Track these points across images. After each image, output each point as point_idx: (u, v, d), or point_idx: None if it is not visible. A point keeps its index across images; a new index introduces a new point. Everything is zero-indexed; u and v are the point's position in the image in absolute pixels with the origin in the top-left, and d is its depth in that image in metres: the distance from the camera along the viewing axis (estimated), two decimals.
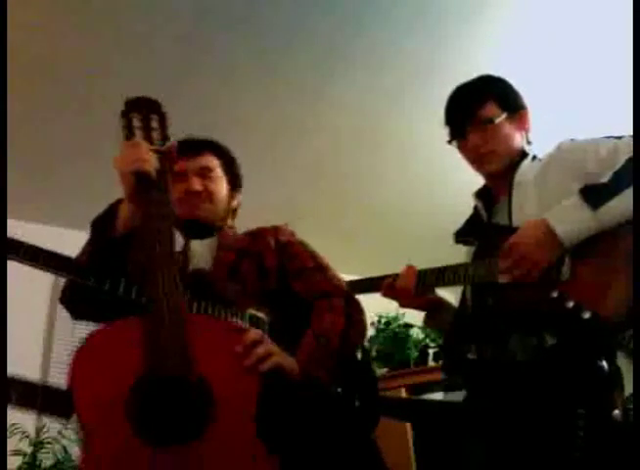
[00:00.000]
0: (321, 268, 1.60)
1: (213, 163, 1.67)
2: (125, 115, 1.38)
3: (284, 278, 1.57)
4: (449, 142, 1.63)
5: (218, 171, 1.68)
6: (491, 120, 1.54)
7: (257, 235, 1.65)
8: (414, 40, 2.77)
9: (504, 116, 1.55)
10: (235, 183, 1.72)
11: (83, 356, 1.15)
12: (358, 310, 1.54)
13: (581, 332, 1.25)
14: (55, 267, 1.38)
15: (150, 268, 1.21)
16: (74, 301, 1.49)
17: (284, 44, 2.74)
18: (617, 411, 1.18)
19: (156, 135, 1.36)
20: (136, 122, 1.36)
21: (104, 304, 1.40)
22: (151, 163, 1.30)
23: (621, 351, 1.24)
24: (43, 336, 3.59)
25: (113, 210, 1.40)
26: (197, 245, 1.63)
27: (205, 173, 1.64)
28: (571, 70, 3.01)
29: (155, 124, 1.37)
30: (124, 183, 1.32)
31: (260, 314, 1.48)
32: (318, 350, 1.39)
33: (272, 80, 2.95)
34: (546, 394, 1.28)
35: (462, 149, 1.61)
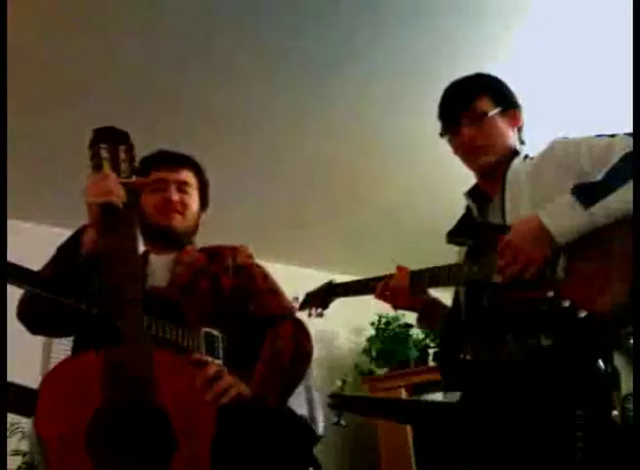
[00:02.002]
0: (273, 291, 1.67)
1: (192, 179, 1.74)
2: (93, 145, 1.39)
3: (239, 299, 1.62)
4: (441, 135, 1.63)
5: (194, 188, 1.74)
6: (485, 114, 1.54)
7: (216, 254, 1.70)
8: (416, 40, 2.77)
9: (497, 110, 1.55)
10: (204, 204, 1.79)
11: (48, 388, 1.15)
12: (306, 336, 1.62)
13: (577, 331, 1.25)
14: (21, 281, 1.39)
15: (115, 303, 1.20)
16: (32, 315, 1.51)
17: (284, 44, 2.74)
18: (615, 412, 1.17)
19: (124, 166, 1.37)
20: (104, 153, 1.37)
21: (62, 318, 1.43)
22: (119, 195, 1.31)
23: (618, 349, 1.23)
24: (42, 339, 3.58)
25: (77, 236, 1.43)
26: (155, 259, 1.67)
27: (182, 187, 1.70)
28: (571, 70, 3.01)
29: (123, 156, 1.38)
30: (90, 213, 1.34)
31: (215, 332, 1.51)
32: (269, 376, 1.44)
33: (272, 81, 2.95)
34: (544, 395, 1.28)
35: (454, 142, 1.61)
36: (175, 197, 1.66)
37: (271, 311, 1.61)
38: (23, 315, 1.52)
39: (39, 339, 3.54)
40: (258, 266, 1.72)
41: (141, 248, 1.69)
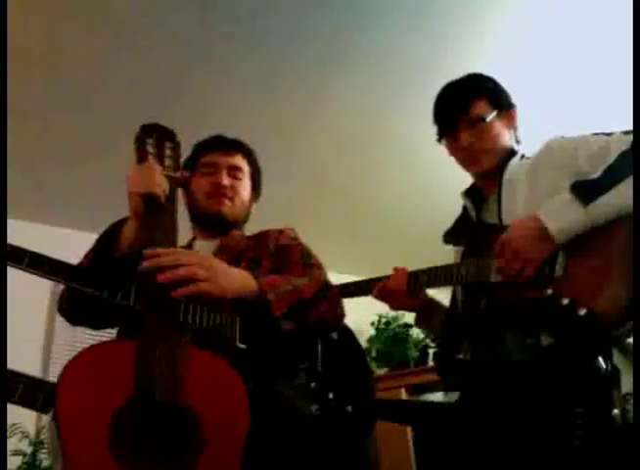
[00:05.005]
0: (309, 265, 1.55)
1: (244, 165, 1.68)
2: (139, 139, 1.37)
3: None
4: (438, 140, 1.62)
5: (246, 175, 1.68)
6: (483, 119, 1.53)
7: (260, 238, 1.63)
8: (414, 40, 2.77)
9: (494, 114, 1.54)
10: (256, 192, 1.73)
11: (72, 372, 1.10)
12: (338, 302, 1.47)
13: (577, 329, 1.25)
14: (59, 276, 1.33)
15: (147, 297, 1.17)
16: (72, 308, 1.48)
17: (284, 44, 2.74)
18: (616, 411, 1.17)
19: (168, 162, 1.36)
20: (150, 148, 1.36)
21: (102, 311, 1.39)
22: (162, 187, 1.30)
23: (617, 348, 1.23)
24: (43, 336, 3.59)
25: (117, 227, 1.39)
26: (200, 246, 1.62)
27: (234, 173, 1.65)
28: (571, 70, 3.01)
29: (168, 152, 1.37)
30: (132, 203, 1.31)
31: None
32: (284, 286, 1.32)
33: (272, 80, 2.95)
34: (544, 394, 1.28)
35: (452, 147, 1.60)
36: (225, 181, 1.61)
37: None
38: (64, 310, 1.49)
39: (39, 338, 3.55)
40: (302, 246, 1.62)
41: (188, 236, 1.66)
